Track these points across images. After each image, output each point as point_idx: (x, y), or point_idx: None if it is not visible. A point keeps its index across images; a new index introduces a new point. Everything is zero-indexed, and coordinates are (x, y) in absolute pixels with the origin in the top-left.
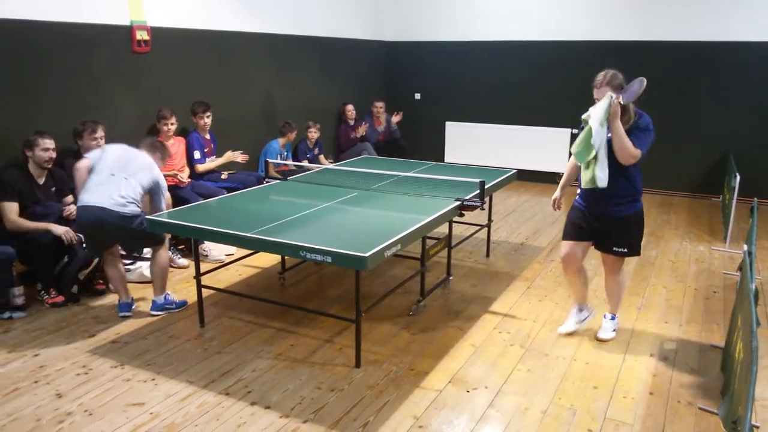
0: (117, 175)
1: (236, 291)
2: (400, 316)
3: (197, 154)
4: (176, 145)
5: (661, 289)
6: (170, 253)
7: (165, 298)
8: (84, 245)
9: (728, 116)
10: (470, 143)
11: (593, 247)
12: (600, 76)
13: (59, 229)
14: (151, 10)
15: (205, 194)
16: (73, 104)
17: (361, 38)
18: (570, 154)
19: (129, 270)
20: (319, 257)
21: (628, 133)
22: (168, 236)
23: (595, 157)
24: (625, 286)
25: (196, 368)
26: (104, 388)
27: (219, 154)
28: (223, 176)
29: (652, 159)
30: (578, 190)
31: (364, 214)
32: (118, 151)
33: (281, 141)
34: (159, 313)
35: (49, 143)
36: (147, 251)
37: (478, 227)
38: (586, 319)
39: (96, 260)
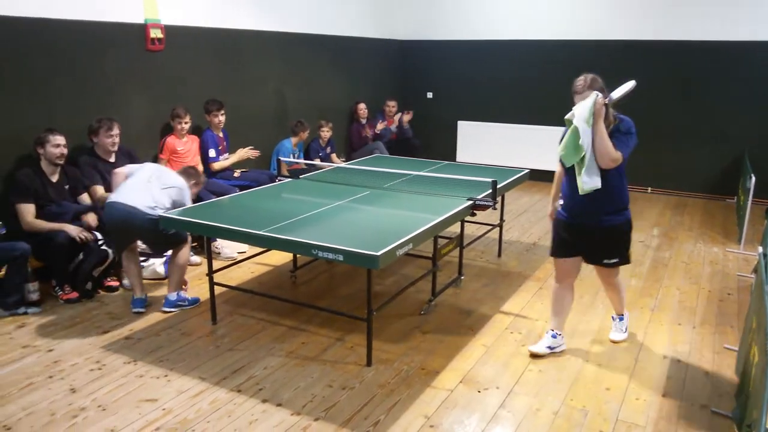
0: (153, 183)
1: (248, 289)
2: (411, 315)
3: (212, 152)
4: (189, 143)
5: (675, 291)
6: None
7: (178, 295)
8: (100, 243)
9: (744, 117)
10: (482, 142)
11: (583, 261)
12: (580, 81)
13: (73, 230)
14: (166, 9)
15: (218, 192)
16: (87, 102)
17: (374, 37)
18: (558, 167)
19: (142, 267)
20: (330, 256)
21: (610, 136)
22: (190, 236)
23: (582, 160)
24: (623, 287)
25: (208, 365)
26: (117, 384)
27: (232, 153)
28: (236, 174)
29: (666, 159)
30: (560, 201)
31: (375, 213)
32: (157, 167)
33: (293, 140)
34: (171, 309)
35: (60, 140)
36: None
37: (490, 227)
38: (558, 347)
39: (110, 258)
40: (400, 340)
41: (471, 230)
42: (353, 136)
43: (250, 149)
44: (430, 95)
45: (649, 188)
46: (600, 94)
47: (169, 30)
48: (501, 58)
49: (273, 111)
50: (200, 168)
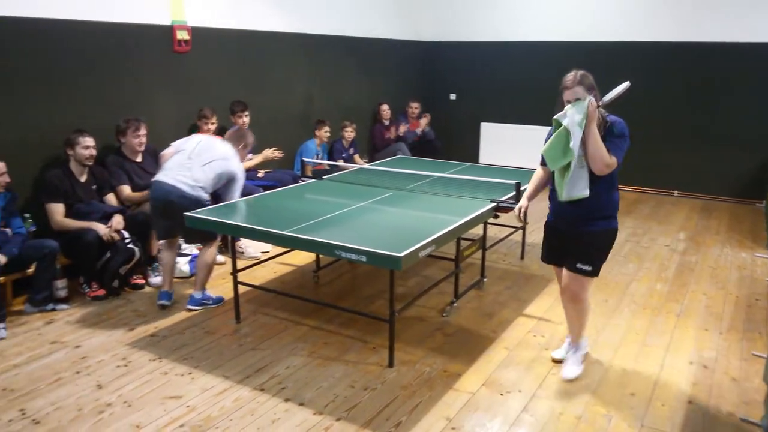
0: (194, 160)
1: (271, 288)
2: (433, 316)
3: None
4: None
5: (701, 296)
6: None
7: (203, 293)
8: (127, 242)
9: None
10: (505, 144)
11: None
12: (570, 76)
13: (102, 229)
14: (192, 11)
15: (243, 192)
16: (114, 103)
17: (398, 38)
18: (539, 167)
19: None
20: (353, 256)
21: (602, 140)
22: (219, 236)
23: (567, 166)
24: (588, 313)
25: (231, 363)
26: (143, 381)
27: (256, 153)
28: (260, 174)
29: (693, 162)
30: (549, 204)
31: (398, 214)
32: (202, 140)
33: (317, 141)
34: (196, 308)
35: (90, 141)
36: (186, 248)
37: (513, 229)
38: (578, 352)
39: (137, 257)
40: (422, 341)
41: (494, 232)
42: (376, 137)
43: (275, 150)
44: (453, 96)
45: (676, 191)
46: (592, 98)
47: (195, 32)
48: (525, 59)
49: (297, 112)
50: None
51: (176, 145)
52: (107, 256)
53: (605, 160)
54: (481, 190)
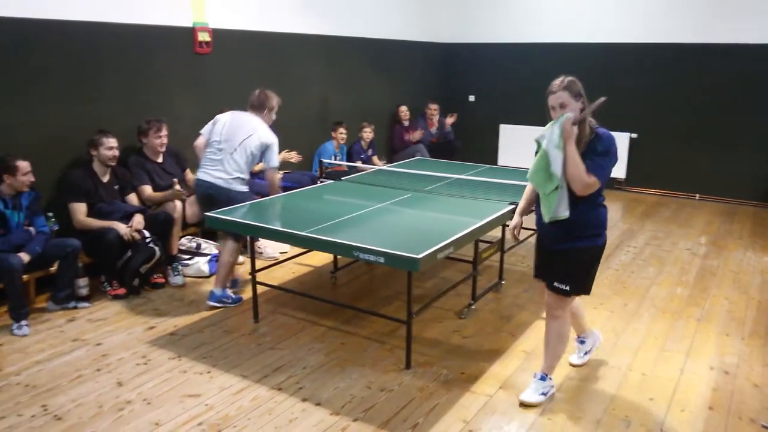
0: (225, 150)
1: (289, 288)
2: (450, 318)
3: None
4: None
5: (723, 301)
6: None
7: (223, 291)
8: (147, 241)
9: None
10: (525, 146)
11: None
12: (557, 81)
13: (123, 228)
14: (213, 13)
15: (261, 193)
16: (136, 104)
17: (417, 40)
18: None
19: (187, 265)
20: (371, 258)
21: (583, 156)
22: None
23: (555, 190)
24: (564, 341)
25: (249, 363)
26: (162, 379)
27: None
28: (279, 175)
29: (715, 166)
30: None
31: (417, 216)
32: (226, 122)
33: (334, 143)
34: (215, 304)
35: (113, 142)
36: (206, 248)
37: (532, 231)
38: (592, 349)
39: (157, 256)
40: (439, 343)
41: None
42: (395, 139)
43: (291, 152)
44: (472, 98)
45: (697, 195)
46: (570, 115)
47: (216, 33)
48: (545, 61)
49: (316, 113)
50: None
51: (205, 132)
52: (128, 255)
53: (584, 180)
54: (499, 192)
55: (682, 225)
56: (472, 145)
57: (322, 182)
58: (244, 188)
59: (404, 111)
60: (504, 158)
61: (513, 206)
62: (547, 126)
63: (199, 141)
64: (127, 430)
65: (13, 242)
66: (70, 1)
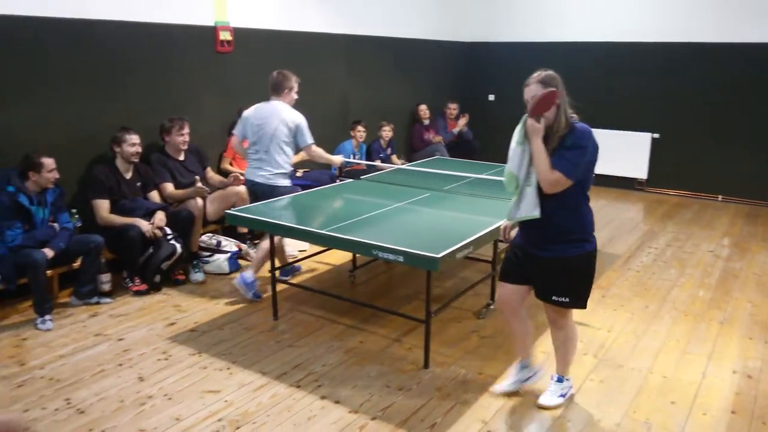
0: (259, 151)
1: (308, 286)
2: (469, 318)
3: None
4: None
5: (746, 304)
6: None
7: (254, 280)
8: (169, 238)
9: None
10: None
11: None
12: (534, 74)
13: (144, 225)
14: (234, 12)
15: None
16: (158, 102)
17: (437, 39)
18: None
19: (208, 262)
20: (391, 257)
21: (554, 151)
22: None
23: (516, 188)
24: (574, 342)
25: (269, 360)
26: (183, 374)
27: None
28: (298, 174)
29: (738, 167)
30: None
31: (436, 215)
32: (253, 120)
33: (354, 142)
34: (241, 285)
35: (135, 139)
36: (226, 245)
37: None
38: (529, 379)
39: (178, 253)
40: (457, 343)
41: None
42: (415, 138)
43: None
44: (491, 98)
45: (720, 196)
46: (530, 118)
47: (237, 32)
48: (565, 60)
49: (336, 112)
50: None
51: (237, 132)
52: (150, 252)
53: (547, 177)
54: None
55: (704, 226)
56: (492, 144)
57: (341, 181)
58: (287, 182)
59: (424, 110)
60: None
61: None
62: (517, 127)
63: (233, 141)
64: (148, 425)
65: (38, 238)
66: (94, 1)
